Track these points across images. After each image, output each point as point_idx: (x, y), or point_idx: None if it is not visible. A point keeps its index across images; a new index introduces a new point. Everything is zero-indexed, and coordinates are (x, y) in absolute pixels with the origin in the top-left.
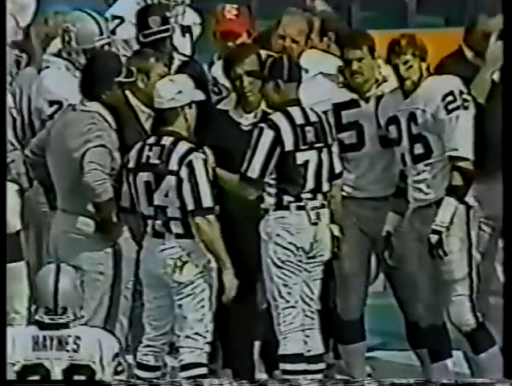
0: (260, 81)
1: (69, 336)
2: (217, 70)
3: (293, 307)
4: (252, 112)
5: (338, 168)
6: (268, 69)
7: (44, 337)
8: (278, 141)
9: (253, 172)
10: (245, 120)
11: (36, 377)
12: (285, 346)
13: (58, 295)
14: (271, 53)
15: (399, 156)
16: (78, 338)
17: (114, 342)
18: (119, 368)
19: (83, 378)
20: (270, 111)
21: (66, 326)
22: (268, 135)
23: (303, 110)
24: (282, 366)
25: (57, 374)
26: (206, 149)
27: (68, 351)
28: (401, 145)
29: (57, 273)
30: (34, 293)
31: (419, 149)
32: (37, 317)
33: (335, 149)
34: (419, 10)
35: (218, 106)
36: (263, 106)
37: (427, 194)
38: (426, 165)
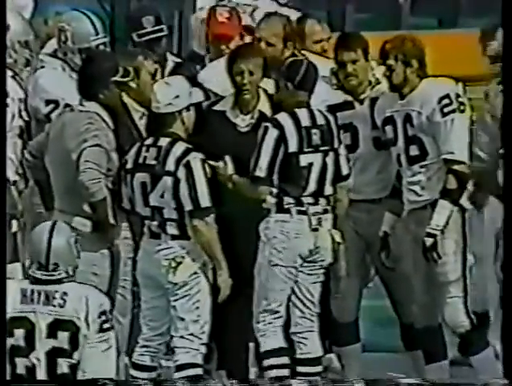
0: (260, 82)
1: (56, 291)
2: (206, 73)
3: (275, 312)
4: (249, 113)
5: (345, 170)
6: (285, 70)
7: (32, 291)
8: (282, 140)
9: (261, 171)
10: (242, 121)
11: (21, 330)
12: (264, 344)
13: (50, 251)
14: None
15: (395, 157)
16: (65, 293)
17: (103, 299)
18: (105, 326)
19: (66, 333)
20: (267, 112)
21: (57, 282)
22: (272, 134)
23: (311, 112)
24: (266, 362)
25: (42, 328)
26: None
27: (54, 305)
28: (397, 145)
29: (51, 230)
30: (28, 248)
31: (414, 150)
32: (30, 271)
33: (342, 151)
34: (413, 11)
35: (215, 107)
36: (260, 107)
37: (420, 195)
38: (421, 166)
